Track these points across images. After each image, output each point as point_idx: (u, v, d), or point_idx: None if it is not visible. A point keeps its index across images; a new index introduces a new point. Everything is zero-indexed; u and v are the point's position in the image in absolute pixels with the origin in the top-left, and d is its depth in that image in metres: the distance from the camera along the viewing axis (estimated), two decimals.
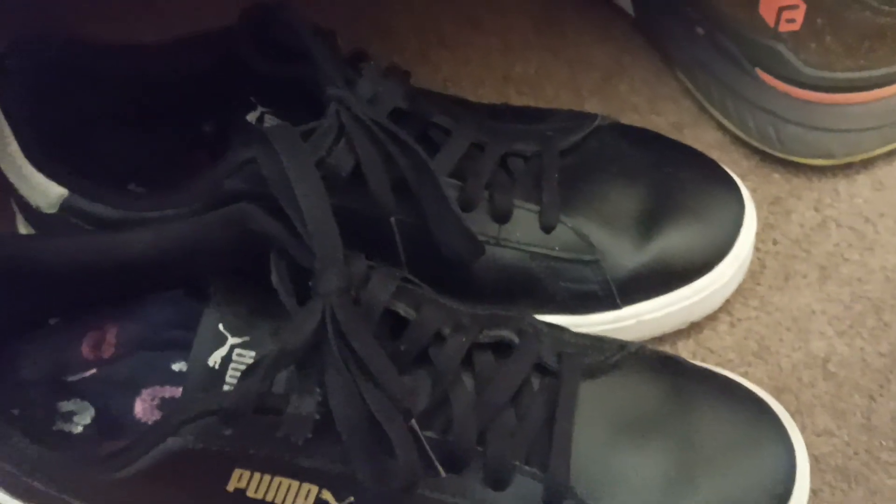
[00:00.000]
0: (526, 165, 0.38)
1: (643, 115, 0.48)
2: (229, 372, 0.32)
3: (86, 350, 0.37)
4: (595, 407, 0.32)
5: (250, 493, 0.30)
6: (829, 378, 0.39)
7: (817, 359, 0.40)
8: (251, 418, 0.28)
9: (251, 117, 0.39)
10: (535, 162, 0.38)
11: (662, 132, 0.44)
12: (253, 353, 0.33)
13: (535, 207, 0.37)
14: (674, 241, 0.37)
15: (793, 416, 0.38)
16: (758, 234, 0.43)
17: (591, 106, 0.48)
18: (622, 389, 0.33)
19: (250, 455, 0.29)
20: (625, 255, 0.37)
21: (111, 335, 0.37)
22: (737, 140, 0.46)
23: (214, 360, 0.32)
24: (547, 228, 0.37)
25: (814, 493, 0.37)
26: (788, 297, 0.41)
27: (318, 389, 0.29)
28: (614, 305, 0.37)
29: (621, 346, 0.34)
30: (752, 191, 0.44)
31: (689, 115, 0.47)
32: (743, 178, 0.45)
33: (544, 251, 0.37)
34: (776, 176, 0.45)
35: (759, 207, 0.44)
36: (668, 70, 0.49)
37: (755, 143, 0.45)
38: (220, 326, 0.33)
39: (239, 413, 0.28)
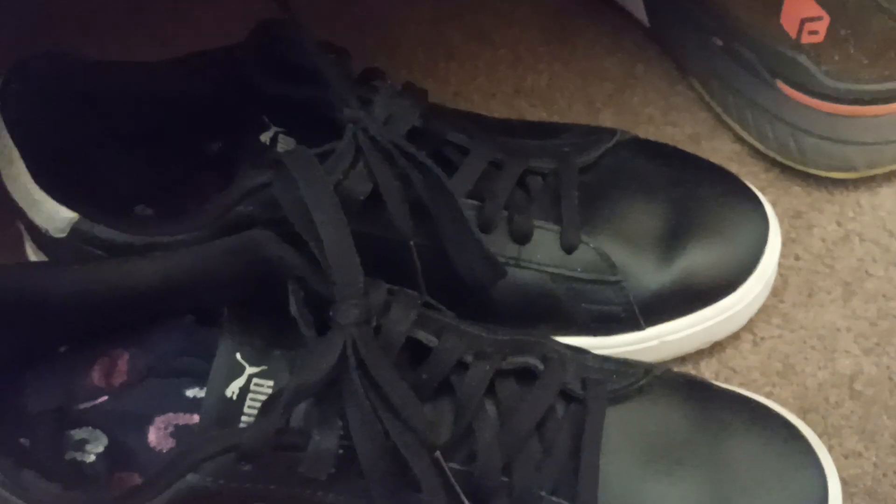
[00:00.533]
0: (544, 183, 0.37)
1: (658, 127, 0.47)
2: (247, 402, 0.31)
3: (96, 377, 0.37)
4: (622, 434, 0.31)
5: None
6: (857, 398, 0.39)
7: (844, 378, 0.39)
8: (272, 454, 0.27)
9: (264, 137, 0.38)
10: (553, 179, 0.37)
11: (678, 144, 0.43)
12: (271, 383, 0.32)
13: (556, 227, 0.36)
14: (697, 260, 0.36)
15: (820, 437, 0.37)
16: (780, 250, 0.42)
17: (604, 117, 0.47)
18: (649, 416, 0.32)
19: (270, 491, 0.28)
20: (648, 275, 0.36)
21: (122, 362, 0.37)
22: (755, 152, 0.45)
23: (232, 390, 0.32)
24: (568, 249, 0.36)
25: None
26: (812, 314, 0.41)
27: (339, 422, 0.28)
28: (637, 326, 0.37)
29: (647, 370, 0.33)
30: (772, 204, 0.43)
31: (706, 126, 0.47)
32: (762, 190, 0.44)
33: (566, 272, 0.36)
34: (796, 189, 0.44)
35: (779, 221, 0.43)
36: (683, 80, 0.48)
37: (774, 156, 0.44)
38: (238, 356, 0.32)
39: (258, 450, 0.27)
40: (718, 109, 0.46)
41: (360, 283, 0.28)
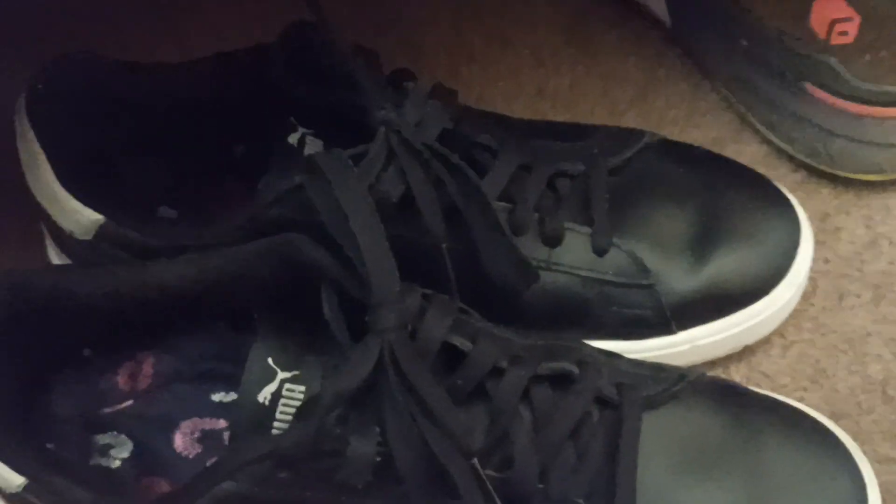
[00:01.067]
0: (574, 186, 0.37)
1: (682, 129, 0.46)
2: (279, 408, 0.31)
3: (121, 381, 0.36)
4: (657, 440, 0.31)
5: None
6: (889, 402, 0.38)
7: (875, 383, 0.39)
8: (309, 460, 0.27)
9: (292, 139, 0.38)
10: (582, 182, 0.37)
11: (703, 147, 0.42)
12: (303, 388, 0.31)
13: (587, 230, 0.36)
14: (729, 264, 0.36)
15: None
16: None
17: (627, 120, 0.47)
18: (684, 421, 0.32)
19: (307, 498, 0.28)
20: (679, 279, 0.36)
21: (147, 366, 0.36)
22: (781, 154, 0.45)
23: (265, 395, 0.31)
24: (599, 252, 0.36)
25: None
26: (842, 318, 0.40)
27: (376, 429, 0.27)
28: (668, 331, 0.36)
29: (681, 375, 0.33)
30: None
31: (731, 129, 0.46)
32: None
33: (597, 275, 0.35)
34: (824, 192, 0.44)
35: None
36: (707, 82, 0.48)
37: (801, 158, 0.44)
38: (270, 360, 0.31)
39: (296, 456, 0.27)
40: (743, 112, 0.46)
41: (396, 287, 0.28)
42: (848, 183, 0.44)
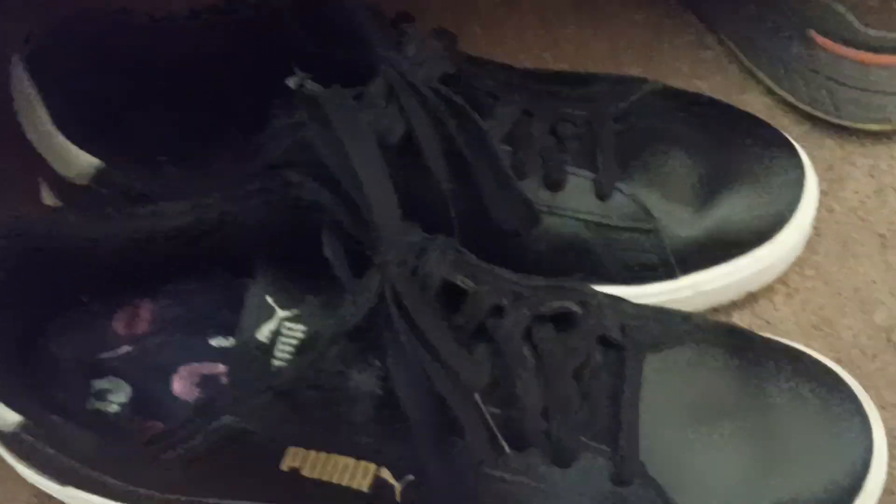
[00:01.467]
0: (577, 131, 0.36)
1: (687, 81, 0.46)
2: (278, 346, 0.31)
3: (119, 327, 0.36)
4: (662, 382, 0.31)
5: (305, 472, 0.29)
6: (893, 349, 0.38)
7: (879, 330, 0.38)
8: (309, 395, 0.27)
9: (291, 83, 0.38)
10: (586, 127, 0.36)
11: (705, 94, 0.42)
12: (302, 328, 0.31)
13: (590, 175, 0.35)
14: (733, 208, 0.36)
15: None
16: None
17: (631, 72, 0.46)
18: (690, 363, 0.31)
19: (306, 433, 0.28)
20: (683, 223, 0.35)
21: (145, 311, 0.36)
22: (786, 105, 0.44)
23: (263, 333, 0.31)
24: (603, 196, 0.35)
25: None
26: (847, 266, 0.40)
27: (377, 364, 0.27)
28: (672, 276, 0.36)
29: (684, 317, 0.33)
30: None
31: (735, 80, 0.46)
32: None
33: (600, 220, 0.35)
34: (829, 142, 0.43)
35: None
36: (712, 33, 0.47)
37: (806, 109, 0.43)
38: (269, 299, 0.31)
39: (296, 390, 0.27)
40: (748, 63, 0.45)
41: (398, 224, 0.28)
42: (853, 133, 0.43)
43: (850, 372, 0.38)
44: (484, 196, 0.33)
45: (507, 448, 0.29)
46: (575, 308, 0.31)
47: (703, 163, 0.36)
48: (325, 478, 0.29)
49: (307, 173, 0.30)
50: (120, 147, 0.36)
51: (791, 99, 0.44)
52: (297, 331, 0.31)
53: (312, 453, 0.28)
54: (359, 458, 0.28)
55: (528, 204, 0.33)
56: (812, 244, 0.40)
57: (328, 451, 0.28)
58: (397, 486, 0.29)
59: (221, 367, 0.35)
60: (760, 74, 0.45)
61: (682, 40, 0.47)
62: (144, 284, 0.36)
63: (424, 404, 0.27)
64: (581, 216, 0.35)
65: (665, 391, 0.30)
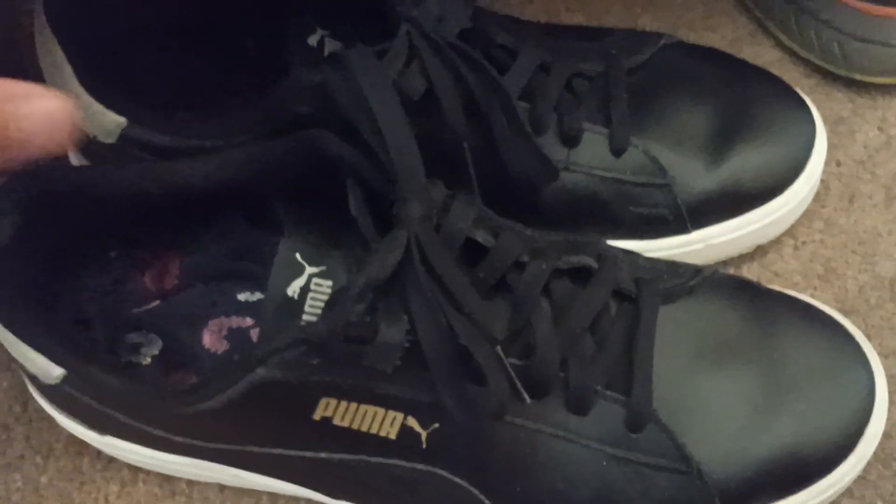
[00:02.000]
0: (592, 86, 0.37)
1: (698, 32, 0.46)
2: (308, 301, 0.32)
3: (148, 282, 0.37)
4: (674, 332, 0.32)
5: (336, 421, 0.30)
6: None
7: (884, 280, 0.40)
8: (339, 347, 0.28)
9: (312, 41, 0.38)
10: (601, 82, 0.37)
11: (718, 49, 0.42)
12: (329, 283, 0.32)
13: (605, 130, 0.36)
14: (745, 163, 0.37)
15: None
16: None
17: (643, 22, 0.47)
18: (701, 314, 0.33)
19: (337, 384, 0.29)
20: (696, 177, 0.36)
21: (173, 266, 0.37)
22: (797, 58, 0.45)
23: (293, 289, 0.32)
24: (617, 152, 0.36)
25: None
26: (854, 218, 0.41)
27: (405, 317, 0.28)
28: (684, 230, 0.37)
29: (696, 270, 0.34)
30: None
31: (746, 31, 0.46)
32: None
33: (614, 175, 0.36)
34: (839, 95, 0.44)
35: None
36: None
37: (817, 61, 0.44)
38: (298, 256, 0.32)
39: (327, 343, 0.28)
40: (759, 14, 0.46)
41: (422, 179, 0.29)
42: (862, 86, 0.44)
43: (856, 321, 0.39)
44: (503, 152, 0.34)
45: (527, 397, 0.30)
46: (591, 262, 0.32)
47: (715, 117, 0.37)
48: (354, 426, 0.30)
49: (331, 129, 0.31)
50: (140, 101, 0.37)
51: (802, 51, 0.44)
52: (325, 286, 0.32)
53: (343, 403, 0.30)
54: (387, 407, 0.30)
55: (545, 158, 0.34)
56: (820, 197, 0.41)
57: (358, 402, 0.30)
58: (423, 433, 0.30)
59: (250, 321, 0.36)
60: (771, 26, 0.45)
61: None
62: (172, 239, 0.37)
63: (447, 354, 0.28)
64: (596, 172, 0.36)
65: (677, 341, 0.32)
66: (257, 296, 0.36)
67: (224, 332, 0.36)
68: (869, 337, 0.38)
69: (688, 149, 0.36)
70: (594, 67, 0.37)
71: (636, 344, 0.31)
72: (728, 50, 0.44)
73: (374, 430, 0.30)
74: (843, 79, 0.44)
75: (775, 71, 0.44)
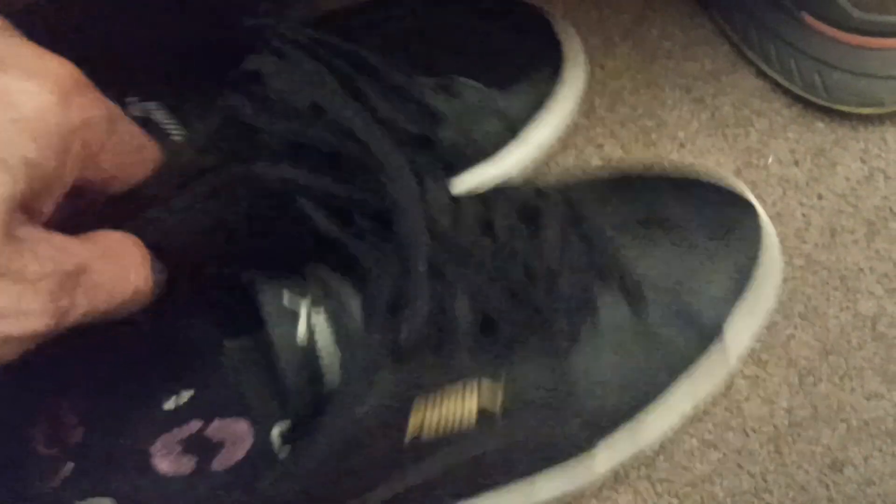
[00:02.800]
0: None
1: (677, 62, 0.45)
2: (318, 342, 0.29)
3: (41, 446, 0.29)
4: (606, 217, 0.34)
5: (425, 434, 0.29)
6: (879, 339, 0.38)
7: (866, 319, 0.38)
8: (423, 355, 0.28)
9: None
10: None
11: (698, 79, 0.41)
12: (321, 309, 0.29)
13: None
14: None
15: (841, 379, 0.37)
16: (802, 189, 0.41)
17: (622, 52, 0.46)
18: (610, 204, 0.35)
19: (420, 381, 0.29)
20: None
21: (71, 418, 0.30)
22: (778, 88, 0.44)
23: (301, 335, 0.29)
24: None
25: (864, 459, 0.36)
26: (835, 254, 0.40)
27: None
28: None
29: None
30: (795, 142, 0.41)
31: (727, 61, 0.45)
32: (784, 128, 0.43)
33: None
34: (820, 125, 0.43)
35: (802, 160, 0.42)
36: (703, 13, 0.46)
37: (798, 92, 0.43)
38: (285, 300, 0.29)
39: (411, 354, 0.28)
40: (740, 44, 0.45)
41: (406, 165, 0.29)
42: (844, 117, 0.43)
43: (837, 362, 0.38)
44: (391, 113, 0.33)
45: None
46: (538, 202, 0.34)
47: None
48: (440, 425, 0.29)
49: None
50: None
51: (782, 81, 0.43)
52: (322, 314, 0.30)
53: (429, 403, 0.29)
54: (464, 380, 0.29)
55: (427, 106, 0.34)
56: (801, 232, 0.40)
57: (439, 388, 0.29)
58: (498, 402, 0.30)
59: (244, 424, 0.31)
60: (752, 56, 0.44)
61: (672, 18, 0.46)
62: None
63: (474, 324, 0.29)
64: None
65: (610, 224, 0.34)
66: (183, 398, 0.31)
67: (179, 448, 0.30)
68: (850, 378, 0.38)
69: None
70: None
71: (595, 241, 0.33)
72: (709, 80, 0.43)
73: (456, 419, 0.29)
74: (825, 109, 0.43)
75: (756, 101, 0.43)
